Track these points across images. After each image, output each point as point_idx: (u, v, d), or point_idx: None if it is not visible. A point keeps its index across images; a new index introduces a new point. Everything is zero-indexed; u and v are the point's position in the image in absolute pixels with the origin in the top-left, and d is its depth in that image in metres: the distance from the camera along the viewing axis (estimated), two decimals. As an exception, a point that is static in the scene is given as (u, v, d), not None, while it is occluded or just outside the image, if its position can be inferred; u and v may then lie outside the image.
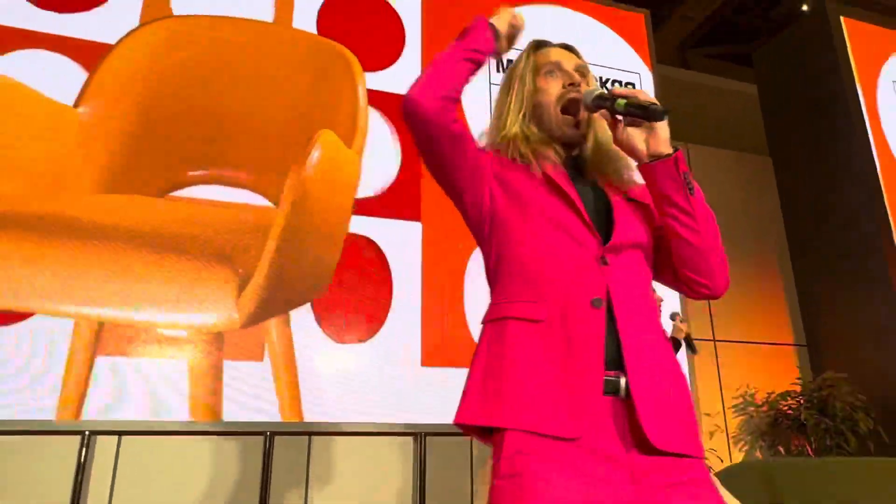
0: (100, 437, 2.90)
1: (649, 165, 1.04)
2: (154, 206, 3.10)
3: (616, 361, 0.94)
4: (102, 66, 3.18)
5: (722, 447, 4.23)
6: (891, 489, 2.97)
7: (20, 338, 2.78)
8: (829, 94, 4.66)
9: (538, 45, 1.17)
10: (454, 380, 3.06)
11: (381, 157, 3.34)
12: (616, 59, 4.33)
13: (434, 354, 3.16)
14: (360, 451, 3.17)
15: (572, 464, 0.88)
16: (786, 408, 4.22)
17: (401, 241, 3.26)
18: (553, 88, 1.11)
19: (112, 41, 3.24)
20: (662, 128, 1.03)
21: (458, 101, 1.04)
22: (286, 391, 3.02)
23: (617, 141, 1.07)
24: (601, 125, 1.11)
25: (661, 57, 4.64)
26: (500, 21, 1.09)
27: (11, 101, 3.00)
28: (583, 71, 1.14)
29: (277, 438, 3.04)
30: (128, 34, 3.24)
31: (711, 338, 4.55)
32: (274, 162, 3.22)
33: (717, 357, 4.53)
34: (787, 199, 4.98)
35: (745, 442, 4.36)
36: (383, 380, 3.08)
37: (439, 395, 3.08)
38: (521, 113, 1.12)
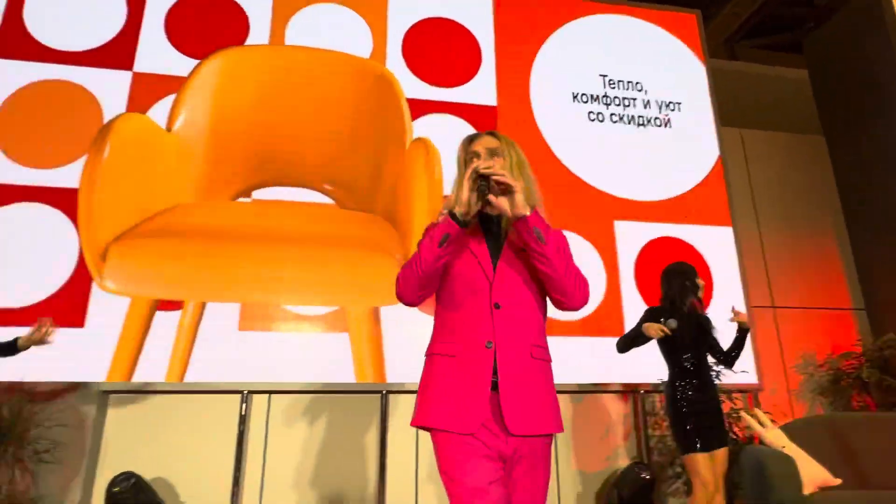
0: (255, 396, 3.46)
1: (513, 223, 1.39)
2: (307, 212, 3.73)
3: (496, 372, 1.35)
4: (184, 89, 3.69)
5: (784, 404, 4.26)
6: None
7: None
8: (881, 74, 4.69)
9: (469, 140, 1.52)
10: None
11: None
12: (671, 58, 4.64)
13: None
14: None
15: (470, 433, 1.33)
16: (847, 367, 4.25)
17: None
18: None
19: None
20: (517, 196, 1.35)
21: (430, 289, 1.44)
22: (374, 357, 3.57)
23: (490, 208, 1.40)
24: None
25: (710, 51, 4.87)
26: (458, 205, 1.35)
27: (145, 138, 3.63)
28: (494, 151, 1.46)
29: (391, 396, 3.57)
30: (202, 61, 3.74)
31: (771, 304, 4.62)
32: (328, 166, 3.76)
33: (776, 322, 4.59)
34: (841, 173, 5.03)
35: (806, 399, 4.38)
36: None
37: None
38: None
